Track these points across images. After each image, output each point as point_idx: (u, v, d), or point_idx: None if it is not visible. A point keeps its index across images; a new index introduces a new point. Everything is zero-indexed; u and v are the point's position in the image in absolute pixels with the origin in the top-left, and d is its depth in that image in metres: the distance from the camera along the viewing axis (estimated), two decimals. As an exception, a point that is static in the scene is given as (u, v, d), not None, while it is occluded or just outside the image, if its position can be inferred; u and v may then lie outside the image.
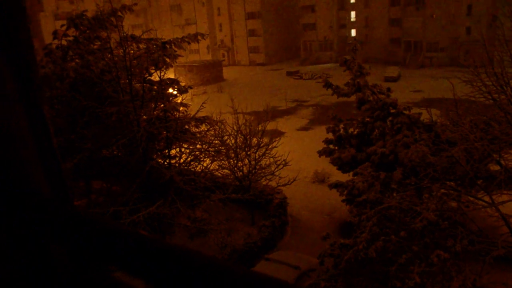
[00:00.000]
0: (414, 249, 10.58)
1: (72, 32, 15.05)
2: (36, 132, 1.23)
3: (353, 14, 69.70)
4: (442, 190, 12.00)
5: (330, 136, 17.95)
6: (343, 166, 17.31)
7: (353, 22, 70.02)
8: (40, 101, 1.26)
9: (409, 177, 13.01)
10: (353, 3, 69.18)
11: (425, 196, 12.36)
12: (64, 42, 15.06)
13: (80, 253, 1.22)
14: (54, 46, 15.15)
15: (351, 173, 16.54)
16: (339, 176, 18.69)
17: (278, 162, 19.07)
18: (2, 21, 1.10)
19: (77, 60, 15.06)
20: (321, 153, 18.31)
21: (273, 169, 19.14)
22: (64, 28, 15.09)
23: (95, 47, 15.20)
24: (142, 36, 15.17)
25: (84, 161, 14.16)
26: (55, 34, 15.14)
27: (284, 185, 19.18)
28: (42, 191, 1.22)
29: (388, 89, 16.71)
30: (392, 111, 15.84)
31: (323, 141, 18.36)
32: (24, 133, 1.18)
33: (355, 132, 17.29)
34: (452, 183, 13.04)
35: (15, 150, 1.17)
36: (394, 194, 12.73)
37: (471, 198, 12.20)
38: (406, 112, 15.66)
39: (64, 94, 14.46)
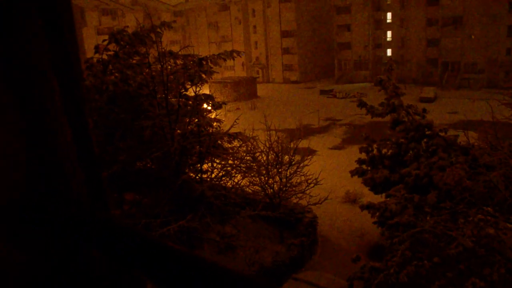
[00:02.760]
0: (448, 276, 10.22)
1: (113, 47, 15.55)
2: (79, 142, 1.29)
3: (389, 33, 69.26)
4: (479, 216, 11.59)
5: (363, 156, 17.69)
6: (375, 187, 17.00)
7: (389, 41, 69.54)
8: (84, 112, 1.31)
9: (444, 201, 12.65)
10: (389, 23, 68.80)
11: (461, 221, 11.97)
12: (104, 57, 15.56)
13: (115, 261, 1.25)
14: (95, 60, 15.68)
15: (383, 195, 16.21)
16: (371, 197, 18.34)
17: (310, 181, 18.92)
18: (54, 38, 1.16)
19: (116, 74, 15.52)
20: (353, 173, 18.05)
21: (304, 187, 18.99)
22: (105, 42, 15.61)
23: (134, 62, 15.64)
24: (179, 52, 15.51)
25: (118, 172, 14.47)
26: (96, 48, 15.67)
27: (315, 204, 18.98)
28: (82, 199, 1.27)
29: (424, 110, 16.39)
30: (428, 132, 15.51)
31: (355, 161, 18.10)
32: (69, 143, 1.24)
33: (389, 153, 16.98)
34: (489, 208, 12.58)
35: (59, 160, 1.22)
36: (428, 218, 12.39)
37: (510, 225, 11.73)
38: (442, 134, 15.30)
39: (103, 106, 14.89)
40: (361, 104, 17.03)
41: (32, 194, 1.17)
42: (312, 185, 18.97)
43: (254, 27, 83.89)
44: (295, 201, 19.72)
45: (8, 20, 1.08)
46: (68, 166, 1.22)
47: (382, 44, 70.34)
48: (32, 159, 1.16)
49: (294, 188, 19.08)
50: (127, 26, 16.27)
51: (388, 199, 15.00)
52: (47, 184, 1.20)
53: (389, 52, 69.52)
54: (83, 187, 1.27)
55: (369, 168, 17.49)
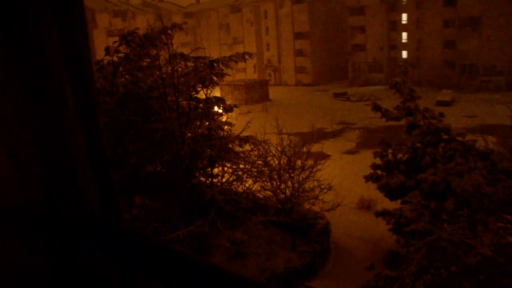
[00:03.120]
0: (466, 286, 10.08)
1: (123, 48, 15.68)
2: (90, 144, 1.29)
3: (404, 35, 68.84)
4: (499, 224, 11.43)
5: (378, 161, 17.58)
6: (390, 193, 16.88)
7: (404, 43, 69.13)
8: (96, 114, 1.32)
9: (462, 208, 12.51)
10: (404, 24, 68.41)
11: (479, 229, 11.81)
12: (115, 58, 15.69)
13: (116, 261, 1.25)
14: (105, 61, 15.81)
15: (399, 201, 16.09)
16: (386, 204, 18.21)
17: (323, 186, 18.84)
18: (67, 40, 1.17)
19: (127, 76, 15.63)
20: (368, 178, 17.94)
21: (317, 193, 18.91)
22: (116, 44, 15.73)
23: (145, 64, 15.75)
24: (190, 54, 15.59)
25: (128, 176, 14.56)
26: (107, 50, 15.80)
27: (328, 210, 18.88)
28: (92, 201, 1.27)
29: (441, 114, 16.26)
30: (445, 137, 15.37)
31: (370, 166, 17.99)
32: (80, 145, 1.24)
33: (404, 158, 16.86)
34: (509, 216, 12.40)
35: (70, 162, 1.23)
36: (445, 226, 12.26)
37: (531, 234, 11.54)
38: (460, 138, 15.15)
39: (113, 108, 15.01)
40: (376, 108, 16.95)
41: (40, 195, 1.18)
42: (325, 190, 18.88)
43: (266, 28, 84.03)
44: (307, 206, 19.64)
45: (22, 22, 1.09)
46: (79, 168, 1.23)
47: (397, 46, 69.96)
48: (42, 160, 1.17)
49: (306, 194, 19.00)
50: (138, 28, 16.40)
51: (403, 205, 14.88)
52: (57, 185, 1.21)
53: (404, 54, 69.10)
54: (94, 190, 1.27)
55: (384, 173, 17.38)
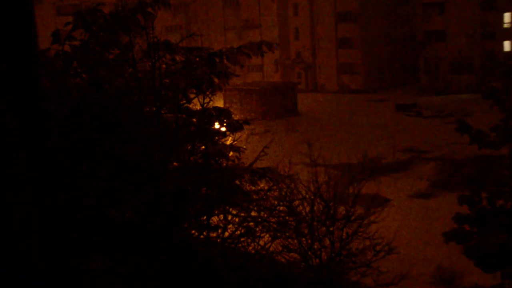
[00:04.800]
0: None
1: (80, 34, 15.89)
2: (35, 179, 1.30)
3: (507, 16, 68.78)
4: None
5: (465, 210, 17.47)
6: (485, 260, 16.71)
7: (506, 29, 69.03)
8: (43, 133, 1.34)
9: None
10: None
11: None
12: (67, 48, 15.91)
13: None
14: (53, 52, 16.03)
15: (498, 274, 15.92)
16: (478, 277, 18.02)
17: (378, 247, 18.69)
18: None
19: (83, 75, 15.82)
20: (449, 236, 17.81)
21: (369, 257, 18.77)
22: (69, 27, 15.97)
23: (112, 57, 15.94)
24: (180, 44, 15.76)
25: (81, 225, 14.60)
26: (56, 35, 16.00)
27: (388, 285, 18.70)
28: (38, 271, 1.28)
29: None
30: None
31: (452, 218, 17.89)
32: (21, 182, 1.26)
33: (508, 206, 16.74)
34: None
35: (5, 212, 1.24)
36: None
37: None
38: None
39: (63, 122, 15.16)
40: (462, 128, 16.93)
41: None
42: (382, 253, 18.72)
43: (295, 6, 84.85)
44: (354, 278, 19.48)
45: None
46: (18, 219, 1.24)
47: (495, 33, 69.92)
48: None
49: (353, 258, 18.86)
50: (103, 3, 16.67)
51: (506, 281, 14.73)
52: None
53: (507, 45, 69.02)
54: (40, 249, 1.28)
55: (475, 229, 17.25)
